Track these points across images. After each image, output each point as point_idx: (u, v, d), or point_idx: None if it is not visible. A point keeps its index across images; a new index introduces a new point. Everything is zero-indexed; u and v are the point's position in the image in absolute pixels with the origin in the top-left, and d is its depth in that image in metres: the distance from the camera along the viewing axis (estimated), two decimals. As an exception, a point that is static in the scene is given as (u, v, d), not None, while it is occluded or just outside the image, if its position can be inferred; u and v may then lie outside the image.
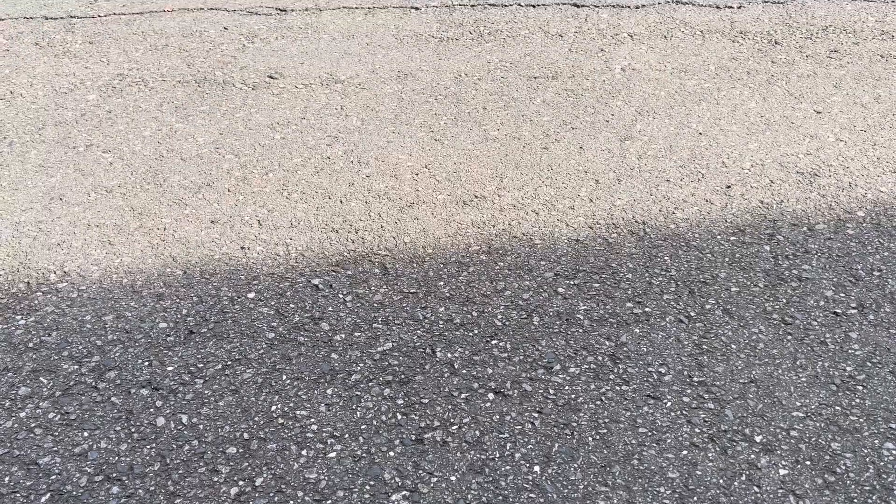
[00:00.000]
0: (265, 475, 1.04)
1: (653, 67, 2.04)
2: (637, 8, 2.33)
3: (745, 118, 1.83)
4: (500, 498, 1.01)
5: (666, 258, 1.41)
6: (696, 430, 1.10)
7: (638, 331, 1.26)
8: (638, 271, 1.38)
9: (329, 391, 1.16)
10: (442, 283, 1.36)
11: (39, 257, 1.42)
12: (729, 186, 1.61)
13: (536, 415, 1.12)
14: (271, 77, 2.00)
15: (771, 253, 1.42)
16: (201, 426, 1.11)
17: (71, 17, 2.28)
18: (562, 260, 1.41)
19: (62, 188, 1.62)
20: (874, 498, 1.01)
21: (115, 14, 2.30)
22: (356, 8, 2.34)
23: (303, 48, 2.13)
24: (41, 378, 1.19)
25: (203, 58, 2.08)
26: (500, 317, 1.29)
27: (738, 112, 1.85)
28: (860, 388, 1.16)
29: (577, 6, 2.34)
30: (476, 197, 1.59)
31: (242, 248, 1.44)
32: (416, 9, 2.34)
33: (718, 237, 1.46)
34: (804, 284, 1.35)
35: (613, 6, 2.34)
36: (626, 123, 1.81)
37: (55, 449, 1.08)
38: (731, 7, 2.33)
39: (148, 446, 1.08)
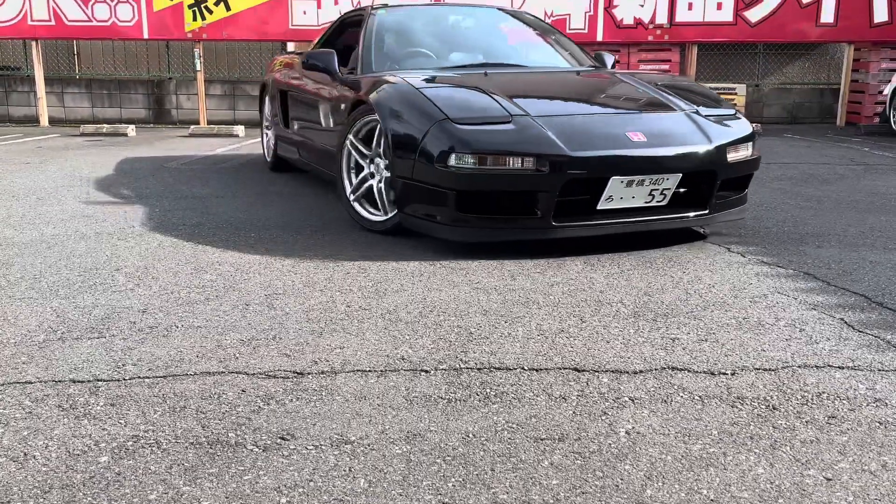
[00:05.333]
0: None
1: (657, 431, 2.08)
2: (635, 373, 2.45)
3: (755, 484, 1.82)
4: None
5: None
6: None
7: None
8: None
9: None
10: None
11: None
12: (750, 559, 1.54)
13: None
14: (283, 438, 2.04)
15: None
16: None
17: (97, 379, 2.40)
18: None
19: (56, 556, 1.55)
20: None
21: (139, 377, 2.42)
22: (369, 371, 2.46)
23: (316, 409, 2.20)
24: None
25: (218, 420, 2.14)
26: None
27: (747, 478, 1.85)
28: None
29: (578, 370, 2.47)
30: (486, 569, 1.51)
31: None
32: (426, 371, 2.47)
33: None
34: None
35: (612, 371, 2.47)
36: (636, 489, 1.80)
37: None
38: (725, 373, 2.46)
39: None
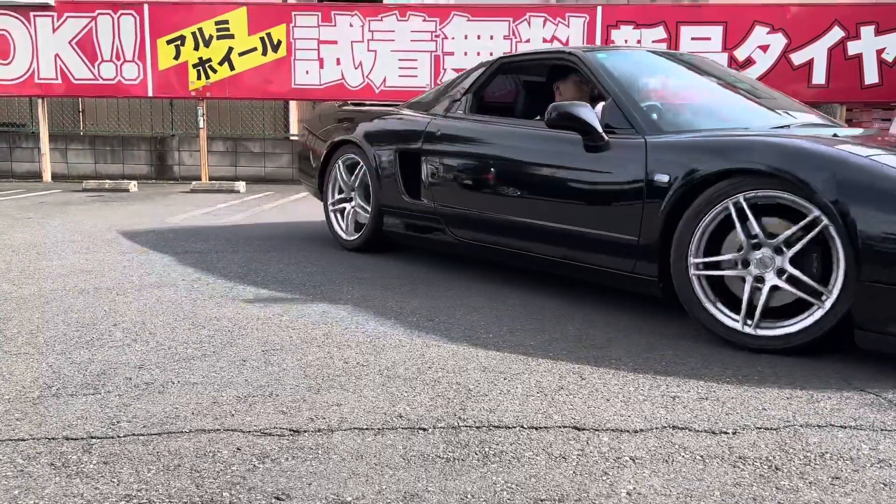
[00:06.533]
0: None
1: (658, 492, 2.05)
2: (636, 432, 2.42)
3: (760, 547, 1.78)
4: None
5: None
6: None
7: None
8: None
9: None
10: None
11: None
12: None
13: None
14: (278, 498, 2.00)
15: None
16: None
17: (91, 437, 2.37)
18: None
19: None
20: None
21: (134, 434, 2.39)
22: (366, 429, 2.44)
23: (312, 468, 2.17)
24: None
25: (213, 479, 2.11)
26: None
27: (752, 540, 1.81)
28: None
29: (578, 429, 2.44)
30: None
31: None
32: (424, 429, 2.44)
33: None
34: None
35: (613, 430, 2.44)
36: (638, 552, 1.76)
37: None
38: (726, 433, 2.43)
39: None
